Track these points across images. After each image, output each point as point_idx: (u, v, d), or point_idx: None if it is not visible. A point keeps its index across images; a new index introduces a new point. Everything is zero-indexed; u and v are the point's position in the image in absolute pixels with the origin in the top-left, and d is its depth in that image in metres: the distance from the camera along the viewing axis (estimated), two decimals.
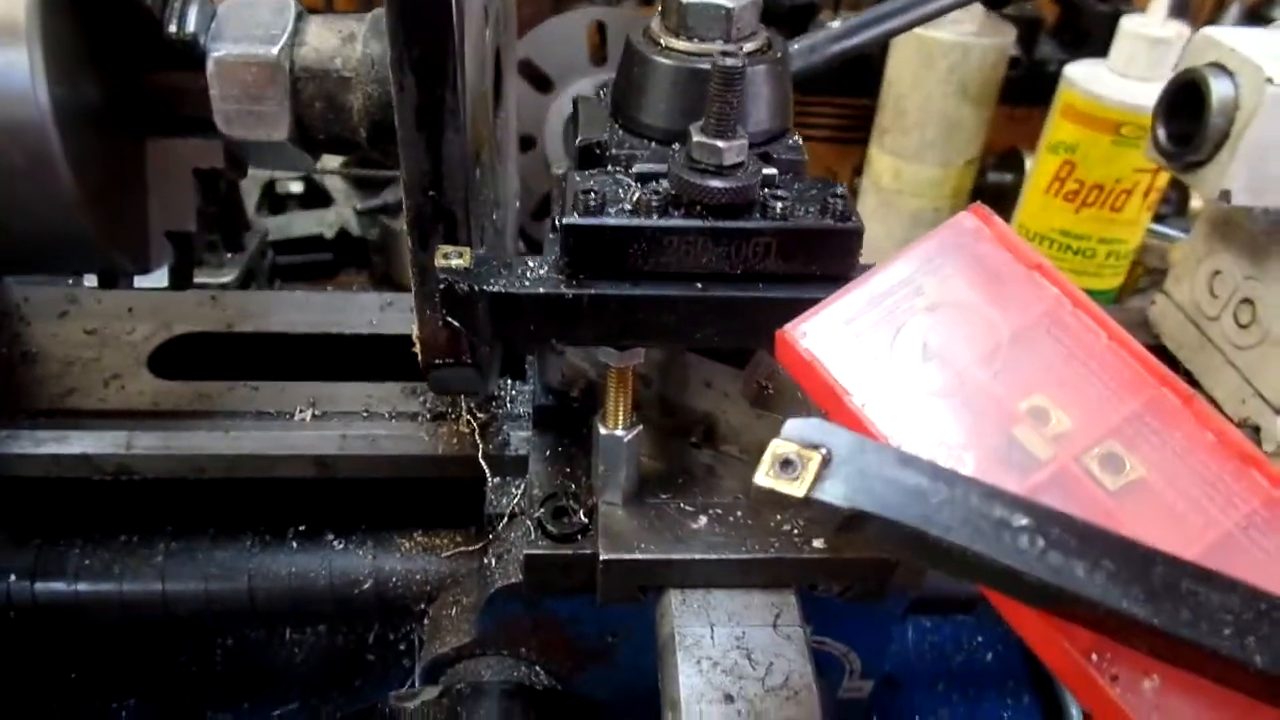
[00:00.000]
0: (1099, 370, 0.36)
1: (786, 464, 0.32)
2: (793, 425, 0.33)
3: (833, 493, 0.31)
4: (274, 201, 1.25)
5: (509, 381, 0.72)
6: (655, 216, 0.44)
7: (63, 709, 0.75)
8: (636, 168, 0.47)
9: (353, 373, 0.73)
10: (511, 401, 0.71)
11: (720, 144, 0.42)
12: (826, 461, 0.32)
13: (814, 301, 0.41)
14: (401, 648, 0.84)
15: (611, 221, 0.44)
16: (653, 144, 0.48)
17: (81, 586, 0.65)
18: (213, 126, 0.55)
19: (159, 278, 0.64)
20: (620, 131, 0.49)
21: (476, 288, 0.44)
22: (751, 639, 0.51)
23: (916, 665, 0.88)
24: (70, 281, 0.82)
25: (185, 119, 0.57)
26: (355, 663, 0.81)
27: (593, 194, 0.44)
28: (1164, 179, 1.07)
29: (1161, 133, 0.69)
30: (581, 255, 0.45)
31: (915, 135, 1.19)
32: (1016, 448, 0.35)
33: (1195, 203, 1.24)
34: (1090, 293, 0.41)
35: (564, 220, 0.44)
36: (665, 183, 0.45)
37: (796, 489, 0.32)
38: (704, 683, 0.49)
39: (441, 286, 0.45)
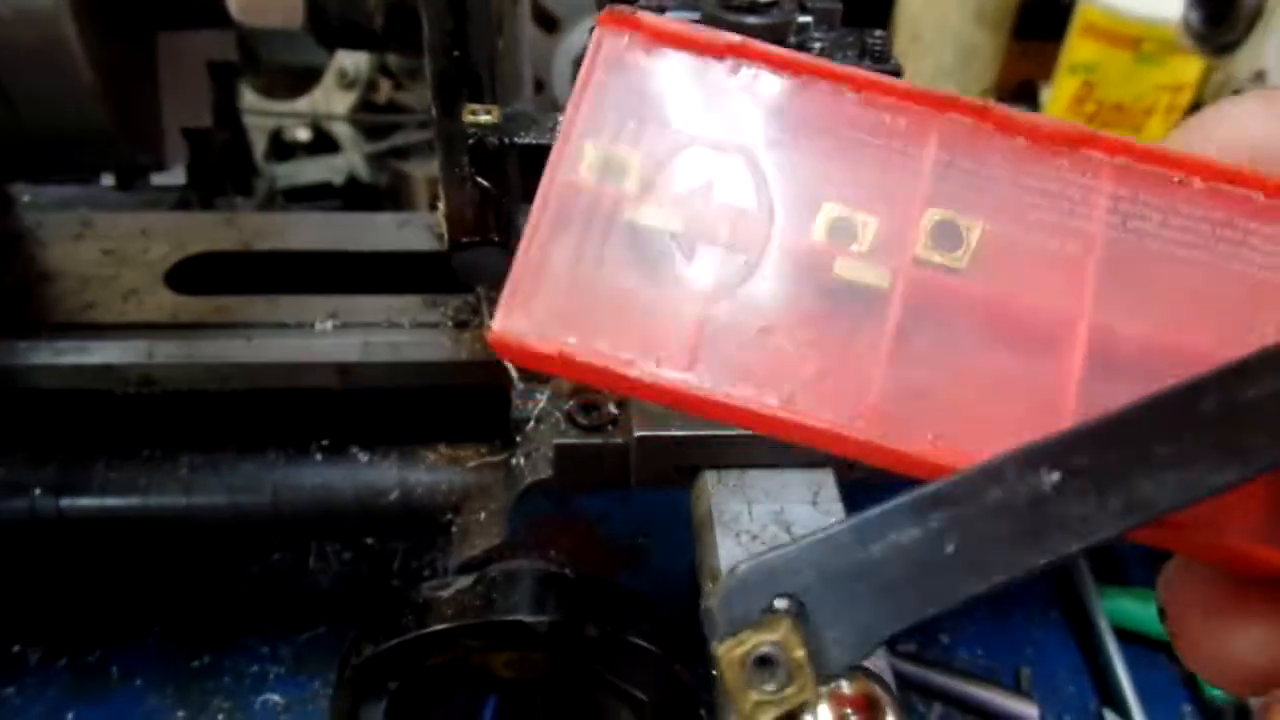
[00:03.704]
0: (869, 137, 0.27)
1: (763, 663, 0.21)
2: (730, 588, 0.22)
3: (838, 659, 0.22)
4: (281, 149, 1.24)
5: None
6: None
7: (90, 637, 0.75)
8: (668, 15, 0.45)
9: (371, 290, 0.72)
10: None
11: None
12: (799, 615, 0.22)
13: None
14: (426, 573, 0.83)
15: None
16: None
17: (107, 501, 0.65)
18: (226, 15, 0.54)
19: (176, 175, 0.63)
20: None
21: (507, 140, 0.43)
22: (791, 514, 0.51)
23: None
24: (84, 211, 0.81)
25: (198, 7, 0.56)
26: (380, 588, 0.81)
27: None
28: (1185, 97, 1.05)
29: (1193, 15, 0.67)
30: None
31: (930, 61, 1.17)
32: (855, 294, 0.26)
33: None
34: None
35: None
36: None
37: (799, 694, 0.22)
38: (744, 554, 0.48)
39: (470, 143, 0.44)
